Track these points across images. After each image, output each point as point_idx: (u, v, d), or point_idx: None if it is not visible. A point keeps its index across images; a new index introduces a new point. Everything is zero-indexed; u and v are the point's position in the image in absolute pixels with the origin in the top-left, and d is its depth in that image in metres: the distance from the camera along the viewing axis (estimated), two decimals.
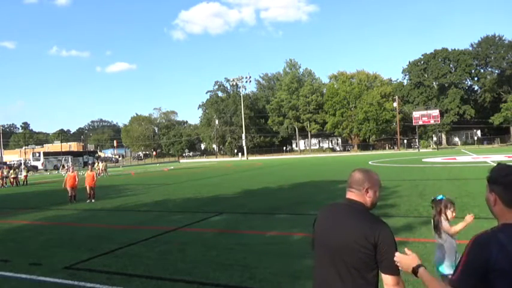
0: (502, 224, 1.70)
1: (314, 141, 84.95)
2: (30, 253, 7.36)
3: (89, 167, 17.29)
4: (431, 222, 4.14)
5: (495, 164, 1.85)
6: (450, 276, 1.79)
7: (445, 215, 3.97)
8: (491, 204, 1.74)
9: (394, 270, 2.02)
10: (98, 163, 41.33)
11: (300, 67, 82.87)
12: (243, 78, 75.25)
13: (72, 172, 15.90)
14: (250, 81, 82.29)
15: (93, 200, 15.06)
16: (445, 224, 3.93)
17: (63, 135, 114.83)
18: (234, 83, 79.97)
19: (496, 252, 1.59)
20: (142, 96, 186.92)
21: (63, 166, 49.65)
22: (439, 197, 4.12)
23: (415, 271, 1.86)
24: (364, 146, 74.37)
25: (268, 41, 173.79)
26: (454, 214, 4.03)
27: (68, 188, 15.12)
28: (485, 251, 1.61)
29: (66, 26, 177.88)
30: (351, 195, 2.23)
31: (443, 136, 72.80)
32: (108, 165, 45.14)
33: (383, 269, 2.04)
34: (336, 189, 15.18)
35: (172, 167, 48.28)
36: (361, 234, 2.05)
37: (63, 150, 72.86)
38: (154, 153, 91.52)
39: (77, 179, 15.40)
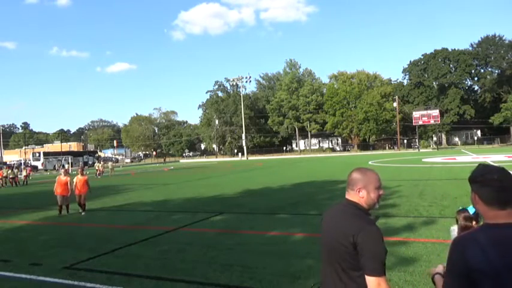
0: (484, 224, 1.72)
1: (314, 141, 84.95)
2: (30, 253, 7.37)
3: (79, 170, 13.42)
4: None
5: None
6: None
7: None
8: (474, 204, 1.77)
9: (371, 270, 2.00)
10: (99, 163, 41.39)
11: (300, 67, 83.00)
12: (243, 78, 75.26)
13: (65, 176, 12.68)
14: (250, 81, 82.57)
15: (83, 213, 12.23)
16: None
17: (63, 135, 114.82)
18: (234, 83, 80.00)
19: (475, 253, 1.60)
20: (142, 96, 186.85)
21: (63, 166, 49.55)
22: (473, 210, 3.29)
23: (432, 278, 2.10)
24: (364, 146, 74.38)
25: (268, 41, 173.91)
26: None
27: (58, 196, 12.27)
28: (463, 253, 1.62)
29: (67, 26, 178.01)
30: (348, 195, 2.26)
31: (443, 136, 72.81)
32: (107, 165, 45.32)
33: (363, 269, 2.03)
34: (336, 189, 15.19)
35: (172, 167, 48.29)
36: (342, 234, 2.10)
37: (63, 150, 72.87)
38: (154, 153, 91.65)
39: (68, 186, 12.41)
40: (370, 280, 2.01)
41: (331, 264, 2.18)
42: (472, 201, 1.80)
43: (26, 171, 31.88)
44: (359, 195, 2.20)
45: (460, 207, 3.47)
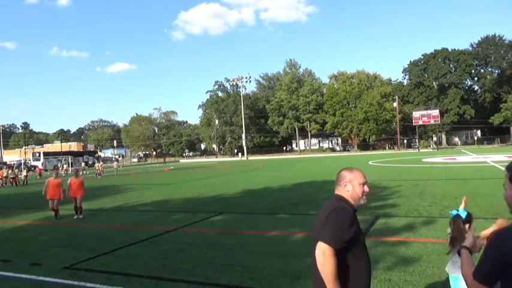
0: None
1: (314, 141, 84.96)
2: (30, 253, 7.36)
3: (74, 171, 12.62)
4: (448, 242, 3.55)
5: (510, 163, 1.88)
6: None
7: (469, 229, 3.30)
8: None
9: (322, 237, 2.15)
10: (99, 163, 41.44)
11: (300, 67, 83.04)
12: (243, 78, 75.28)
13: (56, 178, 11.83)
14: (250, 81, 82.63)
15: (80, 216, 11.37)
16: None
17: (63, 135, 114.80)
18: (234, 83, 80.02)
19: None
20: (142, 96, 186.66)
21: (62, 166, 49.50)
22: (465, 214, 3.39)
23: (459, 249, 2.01)
24: (364, 146, 74.41)
25: (268, 41, 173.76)
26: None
27: (49, 200, 11.51)
28: (503, 246, 1.66)
29: (67, 26, 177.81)
30: (336, 191, 2.45)
31: (443, 136, 72.83)
32: (107, 165, 45.41)
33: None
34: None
35: (172, 167, 48.29)
36: (321, 221, 2.26)
37: (63, 150, 72.87)
38: (154, 153, 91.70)
39: (60, 189, 11.57)
40: (318, 245, 2.15)
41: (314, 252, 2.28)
42: (507, 187, 1.80)
43: (36, 171, 32.11)
44: (345, 189, 2.38)
45: (454, 212, 3.50)
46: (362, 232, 2.35)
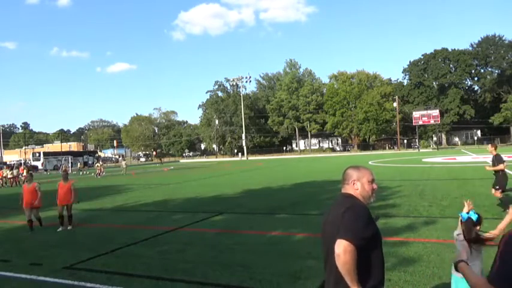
0: None
1: (314, 141, 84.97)
2: (30, 253, 7.37)
3: (63, 174, 10.47)
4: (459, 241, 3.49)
5: None
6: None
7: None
8: None
9: (341, 235, 2.07)
10: (99, 163, 41.45)
11: (300, 67, 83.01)
12: (243, 78, 75.25)
13: (31, 183, 9.90)
14: (250, 81, 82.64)
15: (69, 227, 9.61)
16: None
17: (63, 135, 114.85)
18: (234, 83, 79.99)
19: None
20: (142, 96, 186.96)
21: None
22: (475, 217, 3.45)
23: (456, 264, 2.01)
24: (364, 146, 74.41)
25: (268, 41, 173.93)
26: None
27: (24, 209, 9.67)
28: None
29: (67, 26, 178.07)
30: (343, 189, 2.40)
31: (443, 136, 72.84)
32: (107, 165, 45.32)
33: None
34: (336, 189, 15.16)
35: (172, 167, 48.28)
36: (335, 220, 2.20)
37: (63, 150, 72.91)
38: (154, 153, 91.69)
39: (38, 195, 9.72)
40: (338, 243, 2.06)
41: (326, 252, 2.25)
42: None
43: (26, 172, 31.83)
44: (354, 188, 2.34)
45: (465, 215, 3.50)
46: (379, 231, 2.28)
